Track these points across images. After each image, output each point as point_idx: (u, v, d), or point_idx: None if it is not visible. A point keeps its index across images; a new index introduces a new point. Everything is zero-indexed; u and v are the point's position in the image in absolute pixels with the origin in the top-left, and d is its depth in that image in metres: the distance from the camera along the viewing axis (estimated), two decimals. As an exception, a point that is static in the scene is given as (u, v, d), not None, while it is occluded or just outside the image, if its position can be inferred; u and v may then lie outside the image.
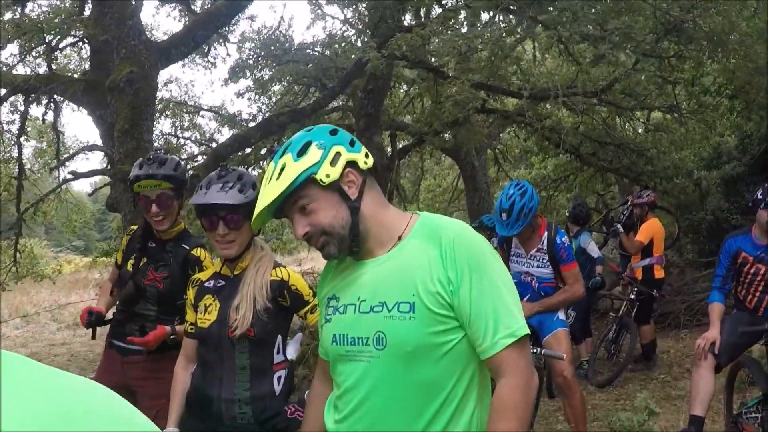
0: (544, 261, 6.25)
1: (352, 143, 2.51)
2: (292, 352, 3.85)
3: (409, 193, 23.47)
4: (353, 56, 11.45)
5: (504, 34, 9.32)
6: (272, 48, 16.05)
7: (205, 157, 15.32)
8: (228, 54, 33.56)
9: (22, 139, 13.90)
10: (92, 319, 4.67)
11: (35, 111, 19.21)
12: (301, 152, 2.42)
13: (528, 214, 5.94)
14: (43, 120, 14.75)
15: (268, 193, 2.41)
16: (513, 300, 2.38)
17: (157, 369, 4.51)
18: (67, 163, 15.55)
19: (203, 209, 3.69)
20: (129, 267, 4.75)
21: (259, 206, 2.46)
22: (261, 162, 15.59)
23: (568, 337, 6.30)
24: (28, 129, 15.59)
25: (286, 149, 2.48)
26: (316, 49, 15.86)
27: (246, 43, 17.77)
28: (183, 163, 4.76)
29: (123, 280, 4.77)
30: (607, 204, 16.33)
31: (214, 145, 17.72)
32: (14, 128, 14.01)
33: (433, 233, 2.43)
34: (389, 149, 16.99)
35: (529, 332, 2.38)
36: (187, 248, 4.69)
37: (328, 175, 2.39)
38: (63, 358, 14.50)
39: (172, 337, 4.44)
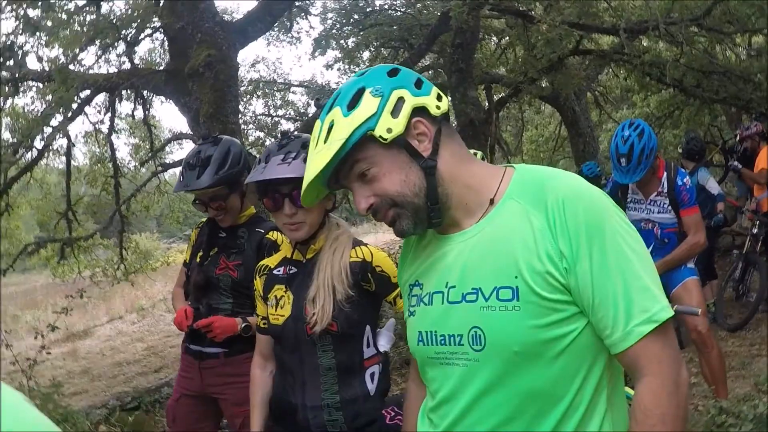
0: (665, 205, 5.66)
1: (418, 84, 1.97)
2: (384, 343, 3.27)
3: (512, 146, 23.09)
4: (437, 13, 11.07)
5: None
6: (354, 15, 15.82)
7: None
8: (311, 27, 33.45)
9: (113, 137, 13.85)
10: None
11: (126, 108, 19.39)
12: (353, 103, 1.90)
13: (649, 155, 5.38)
14: (133, 116, 14.79)
15: (316, 161, 1.92)
16: (648, 273, 1.79)
17: (236, 373, 4.06)
18: (159, 155, 15.55)
19: (264, 187, 3.15)
20: (198, 259, 4.32)
21: (307, 178, 1.96)
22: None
23: (699, 286, 5.73)
24: (118, 126, 15.66)
25: (333, 102, 1.96)
26: (398, 10, 15.56)
27: (328, 14, 17.60)
28: (237, 146, 4.25)
29: (191, 272, 4.35)
30: (721, 135, 15.55)
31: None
32: (104, 128, 13.98)
33: (536, 192, 1.86)
34: (486, 103, 16.58)
35: (673, 313, 1.79)
36: (262, 232, 4.24)
37: (389, 129, 1.87)
38: (179, 350, 14.53)
39: (244, 326, 4.03)
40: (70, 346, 15.71)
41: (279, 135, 3.31)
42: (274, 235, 4.17)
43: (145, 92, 13.59)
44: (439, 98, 1.99)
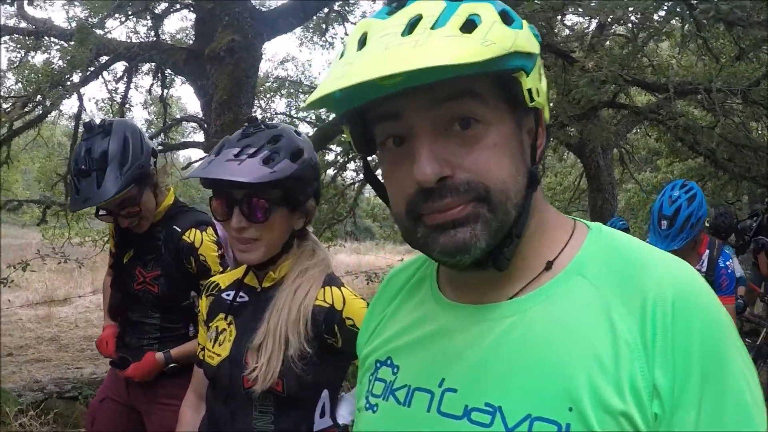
0: None
1: None
2: (346, 414, 2.49)
3: (529, 190, 22.87)
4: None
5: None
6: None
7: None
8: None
9: (125, 107, 13.50)
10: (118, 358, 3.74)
11: (146, 82, 19.21)
12: (509, 20, 1.15)
13: (695, 225, 4.80)
14: (150, 91, 14.48)
15: (434, 46, 1.04)
16: None
17: (166, 395, 3.52)
18: (169, 135, 15.26)
19: (212, 184, 2.38)
20: (112, 266, 3.73)
21: (390, 65, 1.01)
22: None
23: None
24: (132, 98, 15.41)
25: None
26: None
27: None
28: (132, 129, 3.48)
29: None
30: (736, 215, 15.21)
31: (324, 125, 17.30)
32: (120, 97, 13.69)
33: (627, 276, 1.14)
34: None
35: None
36: (179, 231, 3.53)
37: (538, 91, 1.19)
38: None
39: (168, 365, 3.49)
40: (46, 311, 15.21)
41: (246, 122, 2.51)
42: (191, 236, 3.50)
43: (166, 70, 13.20)
44: None
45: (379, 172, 1.34)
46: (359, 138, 1.27)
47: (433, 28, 1.08)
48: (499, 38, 1.08)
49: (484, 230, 1.14)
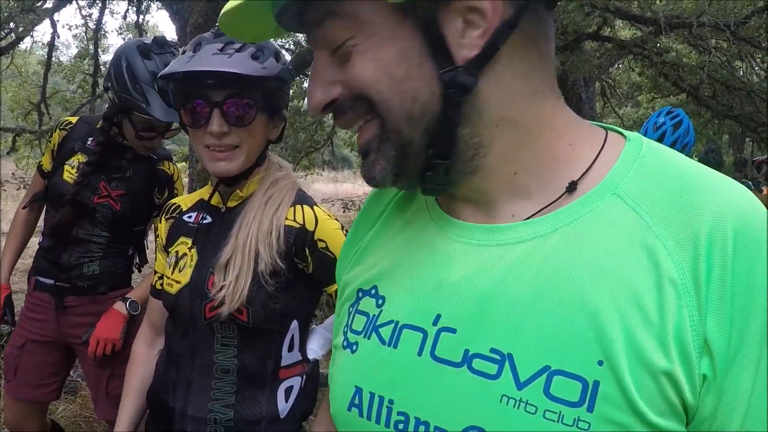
0: None
1: None
2: (317, 348, 2.28)
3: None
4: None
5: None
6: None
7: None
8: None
9: (99, 34, 13.21)
10: (6, 312, 3.49)
11: (120, 8, 18.85)
12: None
13: (680, 152, 4.51)
14: (125, 17, 14.20)
15: None
16: None
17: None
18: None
19: (184, 92, 2.08)
20: (67, 177, 3.33)
21: None
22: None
23: None
24: (107, 24, 15.11)
25: None
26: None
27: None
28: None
29: (57, 194, 3.37)
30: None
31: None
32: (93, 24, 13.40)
33: (675, 200, 0.88)
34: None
35: None
36: (154, 158, 3.38)
37: None
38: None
39: (129, 303, 3.23)
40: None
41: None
42: (170, 168, 3.40)
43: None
44: None
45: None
46: None
47: None
48: None
49: (382, 157, 0.97)
